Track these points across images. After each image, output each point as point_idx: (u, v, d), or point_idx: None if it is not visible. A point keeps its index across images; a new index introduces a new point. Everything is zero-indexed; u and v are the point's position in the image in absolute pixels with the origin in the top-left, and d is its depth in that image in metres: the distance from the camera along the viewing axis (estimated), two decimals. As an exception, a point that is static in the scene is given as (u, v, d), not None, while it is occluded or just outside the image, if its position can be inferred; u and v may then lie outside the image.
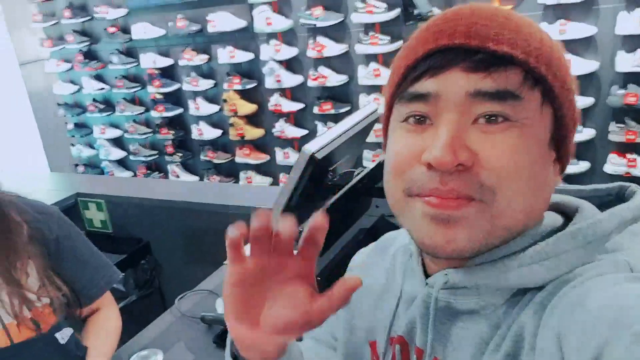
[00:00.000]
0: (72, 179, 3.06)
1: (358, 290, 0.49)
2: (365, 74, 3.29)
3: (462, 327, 0.54)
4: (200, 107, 3.93)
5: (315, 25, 3.36)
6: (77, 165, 4.71)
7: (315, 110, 3.49)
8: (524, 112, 0.48)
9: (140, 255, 2.18)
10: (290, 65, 3.59)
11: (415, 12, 2.78)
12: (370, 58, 3.28)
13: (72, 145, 4.67)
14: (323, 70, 3.42)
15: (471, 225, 0.48)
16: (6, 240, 1.00)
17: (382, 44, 3.19)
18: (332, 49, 3.37)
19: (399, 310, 0.62)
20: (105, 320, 1.20)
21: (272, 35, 3.54)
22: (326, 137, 1.38)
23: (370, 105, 1.59)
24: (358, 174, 1.34)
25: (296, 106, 3.60)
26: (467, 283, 0.53)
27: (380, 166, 1.38)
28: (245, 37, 3.66)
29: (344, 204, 1.28)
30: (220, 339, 1.21)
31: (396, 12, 3.11)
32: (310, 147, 1.30)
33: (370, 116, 1.59)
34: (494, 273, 0.51)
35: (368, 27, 3.26)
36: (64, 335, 0.98)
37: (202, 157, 4.06)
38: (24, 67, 4.46)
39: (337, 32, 3.38)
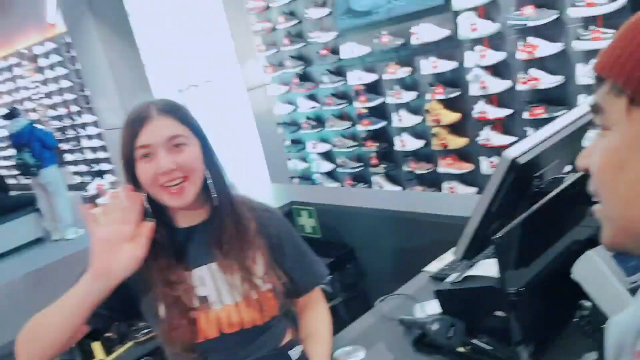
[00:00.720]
0: (287, 189, 3.38)
1: None
2: (586, 73, 2.97)
3: None
4: (403, 119, 3.99)
5: (525, 25, 3.16)
6: (292, 177, 5.18)
7: (525, 115, 3.27)
8: (609, 120, 0.53)
9: (346, 259, 2.29)
10: (497, 70, 3.43)
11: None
12: (591, 55, 2.96)
13: (289, 159, 5.15)
14: (534, 72, 3.19)
15: (603, 224, 0.57)
16: (240, 233, 1.18)
17: (606, 39, 2.85)
18: (545, 48, 3.12)
19: None
20: (320, 321, 1.28)
21: (477, 41, 3.43)
22: (530, 141, 1.28)
23: (584, 105, 1.43)
24: (568, 179, 1.20)
25: (503, 112, 3.42)
26: None
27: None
28: (449, 46, 3.61)
29: (551, 213, 1.17)
30: (418, 343, 1.21)
31: (621, 2, 2.75)
32: (512, 152, 1.22)
33: (585, 116, 1.43)
34: None
35: (588, 22, 2.94)
36: (295, 353, 1.08)
37: (404, 168, 4.11)
38: (251, 92, 5.09)
39: (550, 30, 3.12)
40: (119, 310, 1.14)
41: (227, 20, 4.92)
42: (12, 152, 6.60)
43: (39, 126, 6.22)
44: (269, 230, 1.24)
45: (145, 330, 2.09)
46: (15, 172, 7.03)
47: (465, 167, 3.75)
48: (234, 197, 1.21)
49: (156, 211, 1.12)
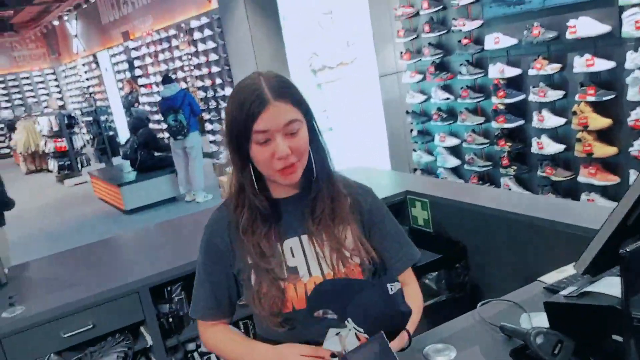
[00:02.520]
0: (405, 177, 3.28)
1: None
2: None
3: None
4: (545, 119, 3.68)
5: None
6: (415, 169, 5.05)
7: (693, 128, 2.84)
8: None
9: (456, 257, 2.17)
10: (663, 74, 3.01)
11: None
12: None
13: (414, 150, 5.02)
14: None
15: None
16: (334, 206, 1.19)
17: None
18: None
19: None
20: (412, 297, 1.22)
21: (642, 40, 3.04)
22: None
23: None
24: None
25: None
26: None
27: None
28: (609, 44, 3.25)
29: None
30: (517, 355, 1.09)
31: None
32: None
33: None
34: None
35: None
36: (393, 288, 1.04)
37: (539, 173, 3.80)
38: (383, 78, 5.03)
39: None
40: (237, 294, 1.25)
41: (369, 3, 4.88)
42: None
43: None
44: (362, 207, 1.24)
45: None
46: (166, 134, 7.74)
47: (611, 179, 3.37)
48: (332, 172, 1.21)
49: (253, 181, 1.16)
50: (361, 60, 5.11)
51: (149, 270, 1.98)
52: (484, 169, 4.31)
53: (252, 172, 1.14)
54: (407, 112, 4.97)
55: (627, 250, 0.86)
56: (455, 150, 4.63)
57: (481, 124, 4.25)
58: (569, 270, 1.41)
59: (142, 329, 2.03)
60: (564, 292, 1.10)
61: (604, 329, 0.99)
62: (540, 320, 1.19)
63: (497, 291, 1.46)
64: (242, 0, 4.84)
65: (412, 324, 1.15)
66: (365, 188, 1.28)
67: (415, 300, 1.22)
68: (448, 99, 4.49)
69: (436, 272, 2.12)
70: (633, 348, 0.94)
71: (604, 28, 3.21)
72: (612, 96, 3.25)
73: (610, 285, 1.05)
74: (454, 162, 4.61)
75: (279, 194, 1.20)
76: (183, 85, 9.56)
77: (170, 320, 2.05)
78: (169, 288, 2.05)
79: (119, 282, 1.91)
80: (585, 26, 3.29)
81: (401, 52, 4.84)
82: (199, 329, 1.28)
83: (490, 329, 1.22)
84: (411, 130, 5.01)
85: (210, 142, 8.84)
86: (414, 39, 4.66)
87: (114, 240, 2.72)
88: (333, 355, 1.05)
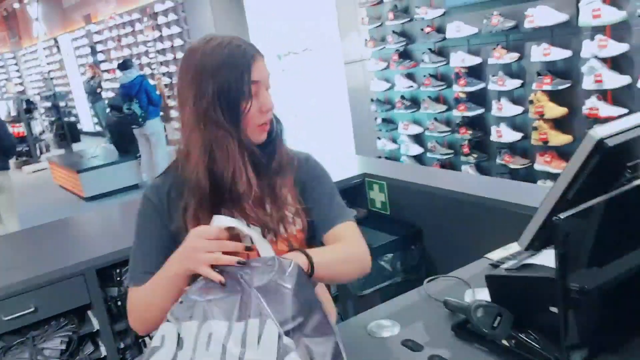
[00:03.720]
0: (363, 160, 3.27)
1: None
2: None
3: None
4: (503, 108, 3.73)
5: (657, 15, 2.80)
6: (379, 157, 5.07)
7: (643, 117, 2.91)
8: None
9: (411, 240, 2.18)
10: (616, 63, 3.08)
11: None
12: None
13: (379, 138, 5.04)
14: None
15: None
16: (281, 165, 1.18)
17: None
18: (678, 44, 2.75)
19: None
20: (341, 245, 1.17)
21: (598, 29, 3.10)
22: (624, 123, 1.09)
23: None
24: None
25: (618, 111, 3.08)
26: None
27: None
28: (565, 33, 3.30)
29: (633, 211, 1.00)
30: (458, 328, 1.09)
31: None
32: (600, 132, 1.05)
33: None
34: None
35: None
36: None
37: (498, 161, 3.86)
38: (348, 65, 5.02)
39: (687, 24, 2.75)
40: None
41: (334, -11, 4.86)
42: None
43: (150, 81, 6.60)
44: (301, 174, 1.22)
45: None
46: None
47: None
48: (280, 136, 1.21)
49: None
50: (326, 47, 5.09)
51: (96, 252, 1.92)
52: (445, 156, 4.35)
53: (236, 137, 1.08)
54: (372, 100, 4.97)
55: (560, 217, 0.86)
56: (418, 138, 4.66)
57: (443, 112, 4.28)
58: (514, 247, 1.43)
59: (88, 313, 1.97)
60: (504, 266, 1.11)
61: (542, 301, 1.00)
62: (484, 295, 1.20)
63: (450, 271, 1.46)
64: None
65: (320, 254, 1.06)
66: (303, 155, 1.27)
67: (341, 246, 1.16)
68: (411, 87, 4.51)
69: (391, 254, 2.12)
70: (571, 320, 0.95)
71: (562, 17, 3.26)
72: (568, 85, 3.31)
73: (549, 257, 1.06)
74: (417, 150, 4.64)
75: None
76: (148, 70, 9.35)
77: (119, 303, 2.00)
78: (117, 270, 1.99)
79: (64, 264, 1.84)
80: (542, 15, 3.34)
81: (366, 40, 4.83)
82: (128, 299, 1.16)
83: (435, 305, 1.23)
84: (375, 118, 5.02)
85: (176, 129, 8.69)
86: (378, 26, 4.66)
87: (63, 223, 2.64)
88: (248, 248, 1.00)
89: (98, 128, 12.41)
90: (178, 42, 8.27)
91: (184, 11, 7.59)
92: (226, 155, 1.07)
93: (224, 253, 0.97)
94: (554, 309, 0.98)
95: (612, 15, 2.99)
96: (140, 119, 6.27)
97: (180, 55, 8.28)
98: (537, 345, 0.98)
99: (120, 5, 10.34)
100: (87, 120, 13.51)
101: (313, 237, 1.21)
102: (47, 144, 9.74)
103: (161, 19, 8.52)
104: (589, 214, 0.93)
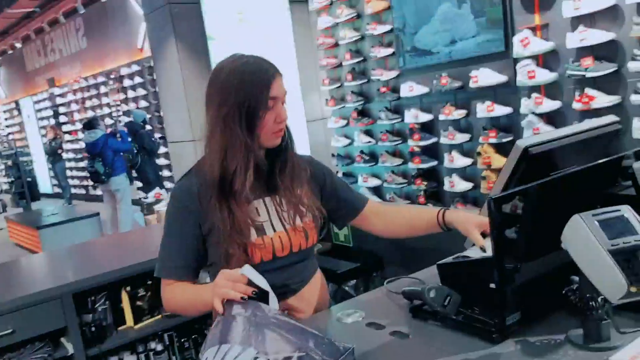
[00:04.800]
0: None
1: None
2: (642, 127, 2.95)
3: None
4: (455, 160, 4.03)
5: (584, 76, 3.19)
6: (341, 209, 5.26)
7: (576, 164, 3.24)
8: None
9: (373, 267, 2.34)
10: (551, 118, 3.45)
11: None
12: (648, 108, 2.94)
13: (340, 191, 5.25)
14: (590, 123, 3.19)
15: None
16: (294, 169, 1.42)
17: (665, 95, 2.83)
18: (602, 100, 3.13)
19: None
20: (398, 210, 1.58)
21: (534, 89, 3.48)
22: (547, 135, 1.33)
23: (610, 115, 1.47)
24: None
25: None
26: None
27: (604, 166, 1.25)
28: (506, 92, 3.67)
29: (557, 205, 1.20)
30: (415, 310, 1.26)
31: (682, 55, 2.75)
32: (525, 141, 1.28)
33: (610, 125, 1.47)
34: None
35: (647, 76, 2.94)
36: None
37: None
38: (310, 123, 5.31)
39: (609, 83, 3.14)
40: (203, 255, 1.38)
41: (296, 53, 5.21)
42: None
43: (117, 136, 6.72)
44: (313, 171, 1.49)
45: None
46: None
47: (512, 213, 3.71)
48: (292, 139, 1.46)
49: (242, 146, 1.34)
50: (289, 107, 5.37)
51: (72, 277, 2.00)
52: (403, 207, 4.59)
53: (253, 142, 1.31)
54: (333, 155, 5.23)
55: (492, 197, 1.06)
56: (377, 190, 4.90)
57: (400, 165, 4.56)
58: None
59: (62, 338, 2.02)
60: (452, 256, 1.29)
61: (482, 280, 1.17)
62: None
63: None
64: (175, 47, 5.04)
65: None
66: (306, 156, 1.55)
67: (404, 208, 1.55)
68: (370, 142, 4.80)
69: (355, 280, 2.27)
70: (506, 293, 1.13)
71: (502, 78, 3.64)
72: (510, 138, 3.65)
73: (488, 248, 1.25)
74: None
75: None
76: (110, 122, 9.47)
77: (93, 329, 2.06)
78: (92, 298, 2.06)
79: (41, 288, 1.91)
80: (485, 76, 3.72)
81: (326, 99, 5.16)
82: (162, 290, 1.36)
83: (395, 297, 1.39)
84: (337, 172, 5.26)
85: (139, 188, 8.72)
86: (338, 87, 5.00)
87: (39, 256, 2.68)
88: (256, 293, 1.16)
89: (57, 190, 12.24)
90: (143, 103, 8.47)
91: (151, 74, 7.86)
92: (233, 155, 1.29)
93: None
94: (492, 285, 1.16)
95: (545, 76, 3.38)
96: (103, 177, 6.35)
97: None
98: (481, 317, 1.15)
99: (86, 69, 10.56)
100: (45, 182, 13.31)
101: (322, 227, 1.49)
102: (4, 203, 9.53)
103: (127, 82, 8.75)
104: (517, 198, 1.13)
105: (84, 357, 2.00)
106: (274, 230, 1.37)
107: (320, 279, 1.53)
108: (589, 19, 3.17)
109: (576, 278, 1.03)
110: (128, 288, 2.17)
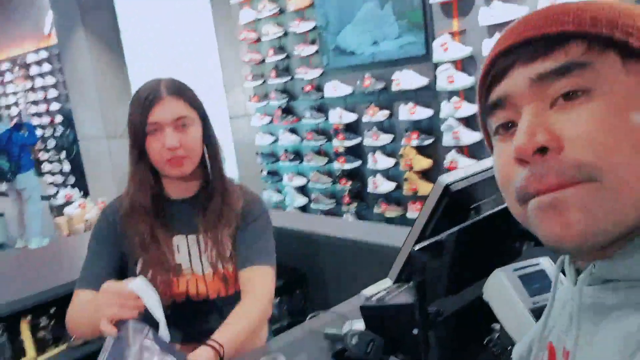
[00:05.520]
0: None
1: None
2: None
3: (610, 327, 0.47)
4: (378, 161, 4.06)
5: (499, 82, 3.28)
6: (266, 208, 5.18)
7: (492, 168, 3.35)
8: (600, 78, 0.45)
9: (295, 284, 2.29)
10: (470, 122, 3.54)
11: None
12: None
13: (264, 189, 5.17)
14: (505, 128, 3.30)
15: (585, 206, 0.44)
16: (223, 209, 1.29)
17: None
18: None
19: (552, 316, 0.58)
20: (246, 307, 1.28)
21: (453, 93, 3.55)
22: (468, 170, 1.32)
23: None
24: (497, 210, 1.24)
25: (474, 163, 3.50)
26: (616, 275, 0.47)
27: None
28: (427, 95, 3.73)
29: (479, 244, 1.20)
30: (338, 356, 1.22)
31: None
32: (447, 178, 1.26)
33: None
34: None
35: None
36: None
37: (375, 210, 4.15)
38: (233, 120, 5.16)
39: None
40: (117, 274, 1.27)
41: (218, 47, 5.02)
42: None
43: (22, 130, 6.18)
44: (247, 214, 1.34)
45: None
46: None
47: (433, 214, 3.79)
48: (226, 176, 1.33)
49: (152, 181, 1.27)
50: (211, 102, 5.18)
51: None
52: (328, 206, 4.58)
53: (147, 168, 1.24)
54: (257, 154, 5.12)
55: (414, 248, 1.02)
56: (302, 189, 4.86)
57: (324, 164, 4.54)
58: (387, 281, 1.59)
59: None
60: (376, 297, 1.26)
61: (406, 325, 1.15)
62: (360, 325, 1.33)
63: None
64: (83, 35, 4.69)
65: (230, 340, 1.18)
66: (255, 196, 1.41)
67: (243, 306, 1.27)
68: (294, 141, 4.73)
69: (277, 298, 2.21)
70: (430, 339, 1.11)
71: (423, 81, 3.69)
72: (432, 140, 3.71)
73: (412, 288, 1.23)
74: (301, 200, 4.83)
75: (176, 195, 1.30)
76: (15, 112, 8.78)
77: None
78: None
79: None
80: (407, 79, 3.75)
81: (250, 96, 5.02)
82: (71, 303, 1.25)
83: (317, 338, 1.34)
84: (261, 170, 5.16)
85: (50, 183, 8.16)
86: (261, 84, 4.88)
87: None
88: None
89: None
90: (53, 93, 7.90)
91: (60, 61, 7.33)
92: (135, 184, 1.25)
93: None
94: (416, 332, 1.13)
95: (464, 80, 3.46)
96: (8, 174, 5.86)
97: (55, 106, 7.90)
98: (404, 364, 1.12)
99: (-13, 54, 9.70)
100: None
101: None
102: None
103: (34, 69, 8.12)
104: (439, 247, 1.11)
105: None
106: (192, 272, 1.28)
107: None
108: (505, 27, 3.25)
109: (497, 326, 1.03)
110: (29, 317, 1.98)
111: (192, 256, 1.29)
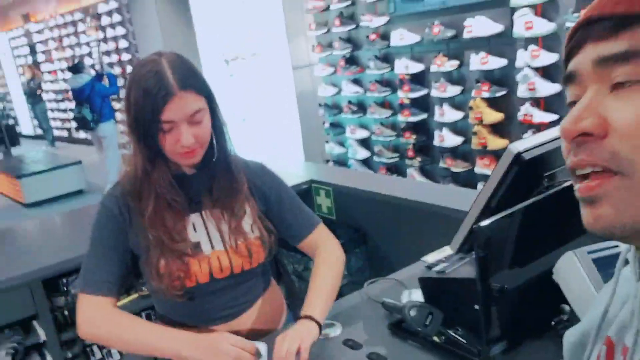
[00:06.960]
0: (310, 167, 3.35)
1: None
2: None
3: None
4: (445, 114, 3.89)
5: (582, 28, 3.01)
6: (328, 161, 5.16)
7: (571, 123, 3.12)
8: None
9: (356, 243, 2.27)
10: (548, 72, 3.29)
11: None
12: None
13: (327, 142, 5.13)
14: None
15: (615, 200, 0.45)
16: (232, 185, 1.25)
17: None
18: (601, 55, 2.97)
19: (611, 309, 0.58)
20: (322, 260, 1.31)
21: (531, 40, 3.29)
22: (540, 137, 1.21)
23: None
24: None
25: (550, 117, 3.28)
26: None
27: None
28: (501, 43, 3.49)
29: (548, 218, 1.11)
30: (394, 327, 1.18)
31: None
32: (518, 146, 1.16)
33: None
34: None
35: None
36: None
37: (441, 164, 4.02)
38: (296, 70, 5.09)
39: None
40: (130, 272, 1.24)
41: (282, -5, 4.91)
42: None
43: (104, 80, 6.39)
44: (259, 185, 1.31)
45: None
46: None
47: (502, 170, 3.63)
48: (230, 153, 1.26)
49: (155, 157, 1.17)
50: (274, 52, 5.13)
51: (42, 262, 1.91)
52: (391, 160, 4.49)
53: (152, 154, 1.16)
54: (320, 105, 5.06)
55: (480, 225, 0.95)
56: (365, 143, 4.78)
57: (388, 117, 4.41)
58: (448, 250, 1.53)
59: (34, 323, 1.95)
60: (436, 268, 1.20)
61: (468, 300, 1.09)
62: (419, 295, 1.29)
63: (390, 273, 1.55)
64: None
65: (323, 299, 1.21)
66: (258, 165, 1.35)
67: (324, 260, 1.30)
68: (358, 92, 4.62)
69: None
70: (492, 316, 1.05)
71: (497, 27, 3.44)
72: (504, 92, 3.50)
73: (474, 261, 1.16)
74: (364, 153, 4.76)
75: (180, 171, 1.24)
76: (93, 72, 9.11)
77: (66, 313, 1.99)
78: (65, 280, 1.98)
79: (8, 275, 1.82)
80: (480, 26, 3.51)
81: (313, 45, 4.91)
82: (80, 307, 1.17)
83: (375, 306, 1.31)
84: (323, 122, 5.11)
85: (122, 132, 8.52)
86: (325, 32, 4.75)
87: (8, 231, 2.57)
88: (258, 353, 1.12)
89: (39, 131, 11.97)
90: (123, 43, 8.10)
91: (129, 12, 7.46)
92: (143, 166, 1.17)
93: None
94: (477, 307, 1.08)
95: (543, 27, 3.19)
96: (91, 123, 6.13)
97: (126, 56, 8.12)
98: (463, 340, 1.08)
99: (62, 5, 10.03)
100: (26, 123, 12.99)
101: (290, 240, 1.35)
102: (-17, 148, 9.32)
103: (105, 20, 8.33)
104: (506, 222, 1.03)
105: (58, 343, 1.94)
106: (213, 249, 1.23)
107: (272, 295, 1.40)
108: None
109: (567, 307, 0.95)
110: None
111: (210, 233, 1.23)
